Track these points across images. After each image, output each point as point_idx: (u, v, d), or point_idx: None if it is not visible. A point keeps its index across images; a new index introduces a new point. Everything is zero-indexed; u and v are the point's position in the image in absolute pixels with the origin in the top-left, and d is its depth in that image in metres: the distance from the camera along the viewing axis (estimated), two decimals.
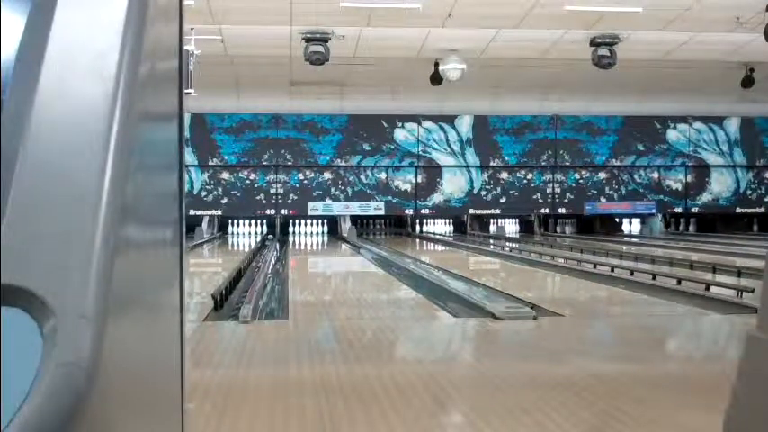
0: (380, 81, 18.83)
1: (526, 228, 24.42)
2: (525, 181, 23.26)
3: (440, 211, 23.49)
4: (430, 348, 6.57)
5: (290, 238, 22.68)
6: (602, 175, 23.50)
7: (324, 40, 13.66)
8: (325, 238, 23.15)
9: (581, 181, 23.43)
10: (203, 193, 22.21)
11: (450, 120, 22.87)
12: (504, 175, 23.18)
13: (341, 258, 18.00)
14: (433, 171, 22.99)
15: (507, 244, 19.15)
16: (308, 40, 13.69)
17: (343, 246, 20.26)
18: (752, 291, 8.17)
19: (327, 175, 22.67)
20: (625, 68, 15.22)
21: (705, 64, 16.44)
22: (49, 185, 0.95)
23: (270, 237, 22.29)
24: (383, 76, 17.95)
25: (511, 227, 24.77)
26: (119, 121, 1.01)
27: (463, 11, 12.49)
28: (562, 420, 4.05)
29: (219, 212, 22.66)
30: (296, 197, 22.57)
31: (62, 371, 0.86)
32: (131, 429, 1.05)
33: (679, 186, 23.72)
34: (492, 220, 24.73)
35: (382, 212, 23.16)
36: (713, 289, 9.26)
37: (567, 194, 23.37)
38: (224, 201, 22.42)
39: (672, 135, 23.59)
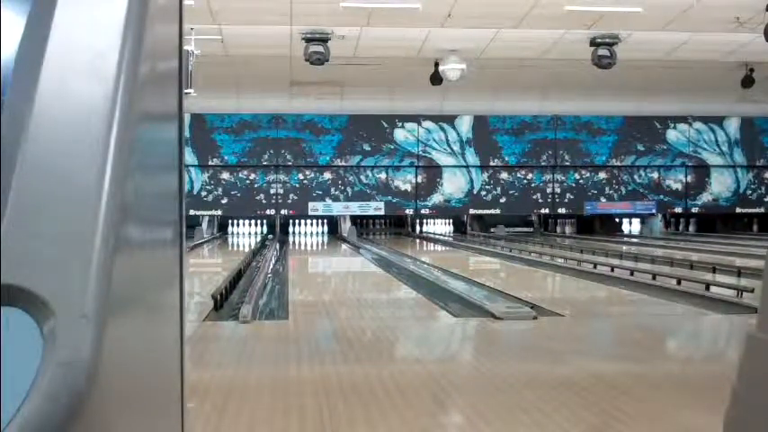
0: (380, 81, 18.82)
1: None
2: (525, 181, 23.24)
3: (440, 211, 23.48)
4: (430, 348, 6.56)
5: (290, 238, 22.68)
6: (602, 175, 23.48)
7: (324, 40, 13.66)
8: (326, 238, 23.15)
9: (581, 181, 23.41)
10: (203, 193, 22.20)
11: (450, 120, 22.85)
12: (504, 175, 23.16)
13: (341, 258, 18.00)
14: (433, 171, 22.97)
15: (506, 243, 19.13)
16: (308, 40, 13.69)
17: (343, 246, 20.25)
18: (752, 291, 8.17)
19: (327, 175, 22.66)
20: (625, 68, 15.21)
21: (705, 64, 16.42)
22: (49, 185, 0.95)
23: (270, 237, 22.28)
24: (383, 76, 17.93)
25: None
26: (119, 122, 1.01)
27: (463, 11, 12.48)
28: (562, 420, 4.05)
29: (219, 212, 22.65)
30: (296, 197, 22.56)
31: (62, 371, 0.86)
32: (131, 429, 1.05)
33: (679, 186, 23.71)
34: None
35: (382, 212, 23.15)
36: (713, 289, 9.26)
37: (567, 194, 23.35)
38: (224, 201, 22.41)
39: (672, 135, 23.57)
